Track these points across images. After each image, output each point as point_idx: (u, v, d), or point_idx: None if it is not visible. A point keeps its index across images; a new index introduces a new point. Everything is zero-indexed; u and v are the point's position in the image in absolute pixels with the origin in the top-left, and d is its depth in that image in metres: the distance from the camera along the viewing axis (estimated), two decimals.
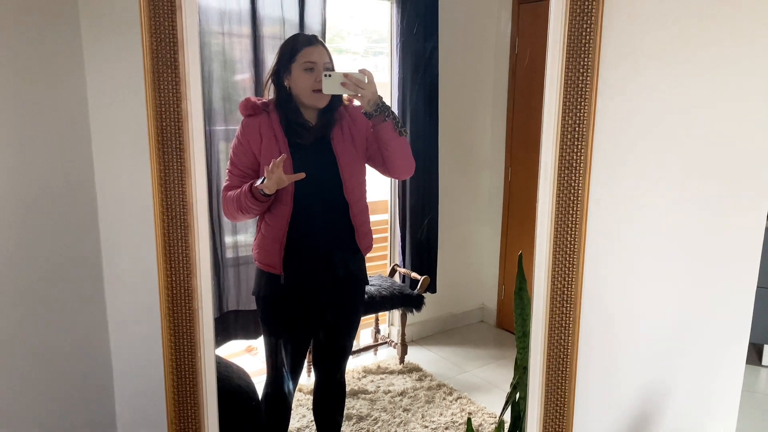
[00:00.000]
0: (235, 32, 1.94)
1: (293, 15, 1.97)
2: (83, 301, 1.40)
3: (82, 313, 1.41)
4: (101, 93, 1.34)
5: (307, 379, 2.38)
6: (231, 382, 1.81)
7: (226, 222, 2.02)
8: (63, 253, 1.37)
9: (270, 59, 1.92)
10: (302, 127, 1.75)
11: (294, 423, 2.25)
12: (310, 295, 1.90)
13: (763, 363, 3.32)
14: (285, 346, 1.94)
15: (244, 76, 1.96)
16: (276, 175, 1.62)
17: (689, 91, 1.19)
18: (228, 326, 2.16)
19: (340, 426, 2.14)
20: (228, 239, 2.07)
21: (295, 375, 2.00)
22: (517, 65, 2.26)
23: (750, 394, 3.04)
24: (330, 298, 1.93)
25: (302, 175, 1.67)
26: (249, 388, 1.90)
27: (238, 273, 2.12)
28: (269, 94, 1.77)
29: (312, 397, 2.12)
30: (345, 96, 1.75)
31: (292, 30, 1.97)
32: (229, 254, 2.10)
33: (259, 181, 1.67)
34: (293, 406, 2.33)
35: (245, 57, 1.96)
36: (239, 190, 1.71)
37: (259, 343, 2.38)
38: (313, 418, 2.15)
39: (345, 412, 2.17)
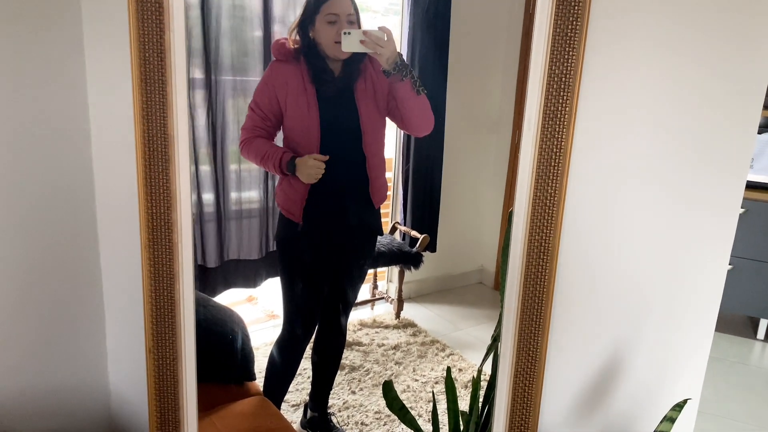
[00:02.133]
0: None
1: None
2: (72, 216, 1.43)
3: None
4: (90, 32, 1.34)
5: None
6: (215, 324, 1.87)
7: (230, 178, 2.05)
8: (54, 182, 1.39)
9: (279, 12, 1.92)
10: (327, 76, 1.76)
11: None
12: (326, 242, 1.95)
13: (758, 336, 3.32)
14: (301, 292, 1.99)
15: (254, 32, 1.95)
16: (313, 171, 1.72)
17: (678, 39, 1.17)
18: (228, 275, 2.19)
19: (335, 374, 2.20)
20: (233, 194, 2.09)
21: (309, 322, 2.05)
22: (531, 27, 2.22)
23: (743, 367, 3.05)
24: (344, 246, 1.99)
25: (323, 162, 1.74)
26: (233, 333, 1.95)
27: (241, 225, 2.14)
28: (294, 42, 1.77)
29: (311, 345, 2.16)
30: None
31: None
32: (234, 207, 2.12)
33: (291, 158, 1.75)
34: None
35: (254, 7, 1.94)
36: (269, 151, 1.77)
37: (259, 293, 2.43)
38: (307, 366, 2.21)
39: None
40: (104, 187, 1.40)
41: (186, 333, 1.22)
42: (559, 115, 1.17)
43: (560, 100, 1.16)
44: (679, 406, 1.12)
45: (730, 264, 3.17)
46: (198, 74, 1.89)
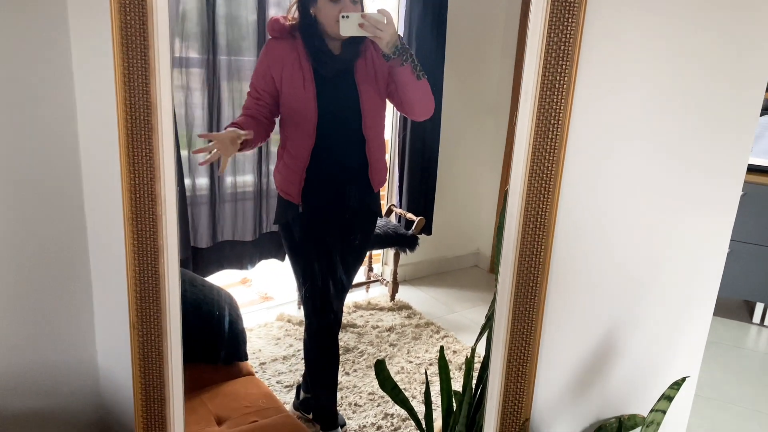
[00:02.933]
0: None
1: None
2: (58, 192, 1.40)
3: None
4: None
5: (296, 310, 2.41)
6: (204, 303, 1.85)
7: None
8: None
9: None
10: (326, 55, 1.72)
11: (281, 351, 2.29)
12: (326, 224, 1.94)
13: (754, 320, 3.32)
14: (311, 272, 1.97)
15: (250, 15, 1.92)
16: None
17: (683, 7, 1.13)
18: (222, 256, 2.17)
19: (334, 367, 2.18)
20: (228, 178, 2.07)
21: (326, 301, 2.03)
22: (529, 3, 2.18)
23: (739, 350, 3.05)
24: (344, 227, 1.97)
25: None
26: (221, 312, 1.93)
27: (235, 207, 2.13)
28: (293, 17, 1.74)
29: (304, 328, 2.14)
30: None
31: None
32: (229, 191, 2.10)
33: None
34: (281, 335, 2.37)
35: None
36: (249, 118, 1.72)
37: (253, 275, 2.42)
38: (300, 348, 2.19)
39: None
40: (90, 160, 1.36)
41: (171, 309, 1.19)
42: (557, 85, 1.13)
43: (558, 69, 1.12)
44: (677, 384, 1.09)
45: (728, 248, 3.17)
46: (193, 54, 1.86)
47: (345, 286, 2.12)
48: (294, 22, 1.73)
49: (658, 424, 1.10)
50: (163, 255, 1.15)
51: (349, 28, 1.60)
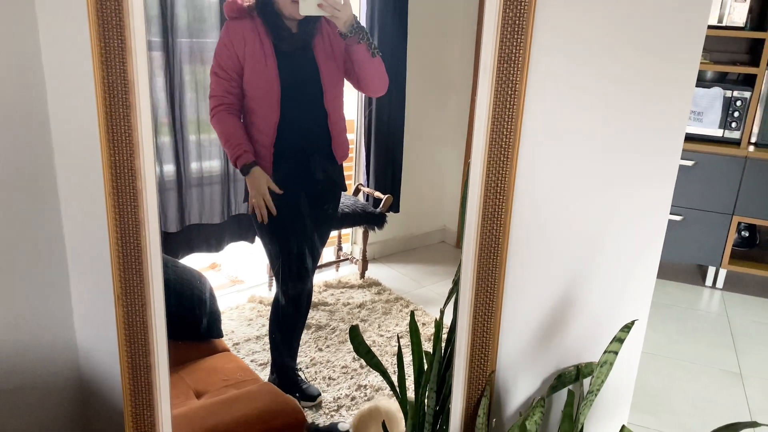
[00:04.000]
0: None
1: None
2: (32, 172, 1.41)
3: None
4: None
5: (267, 292, 2.45)
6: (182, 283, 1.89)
7: (191, 148, 2.04)
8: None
9: None
10: (285, 32, 1.78)
11: (253, 331, 2.33)
12: (297, 198, 2.00)
13: (707, 284, 3.49)
14: (282, 248, 2.05)
15: None
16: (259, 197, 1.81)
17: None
18: (191, 239, 2.19)
19: (302, 331, 2.24)
20: (194, 164, 2.09)
21: (299, 277, 2.11)
22: None
23: (693, 312, 3.21)
24: (313, 200, 2.04)
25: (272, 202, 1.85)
26: (200, 292, 1.98)
27: (202, 191, 2.14)
28: (246, 1, 1.78)
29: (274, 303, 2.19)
30: None
31: None
32: (195, 175, 2.12)
33: (247, 163, 1.83)
34: (253, 316, 2.42)
35: None
36: (233, 140, 1.83)
37: (222, 260, 2.44)
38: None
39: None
40: (63, 137, 1.38)
41: (154, 279, 1.23)
42: (513, 58, 1.21)
43: (514, 42, 1.20)
44: (627, 327, 1.19)
45: (680, 215, 3.33)
46: (154, 37, 1.87)
47: (317, 255, 2.19)
48: (251, 3, 1.77)
49: (611, 364, 1.20)
50: (145, 228, 1.20)
51: (308, 7, 1.66)
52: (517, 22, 1.20)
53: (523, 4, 1.18)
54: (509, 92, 1.23)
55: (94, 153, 1.19)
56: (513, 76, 1.22)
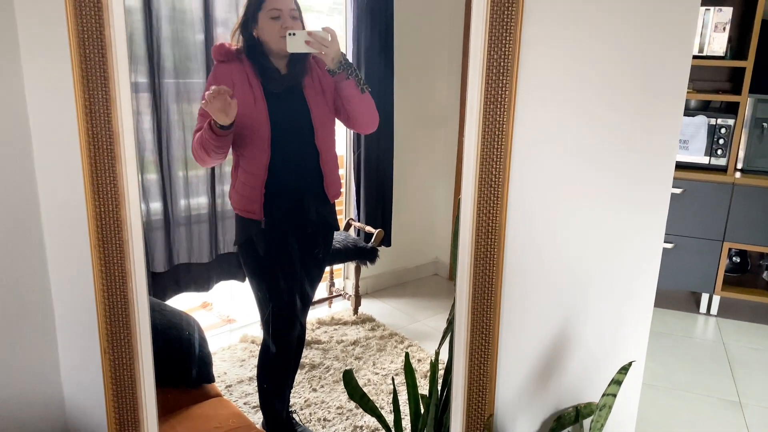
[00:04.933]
0: None
1: None
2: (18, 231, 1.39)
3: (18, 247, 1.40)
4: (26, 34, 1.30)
5: (260, 330, 2.42)
6: (171, 328, 1.86)
7: (178, 186, 2.03)
8: None
9: (221, 15, 1.92)
10: (274, 72, 1.78)
11: (246, 372, 2.29)
12: (287, 238, 1.97)
13: (701, 310, 3.48)
14: (272, 290, 2.00)
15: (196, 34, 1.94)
16: (218, 103, 1.59)
17: (605, 25, 1.23)
18: (179, 279, 2.17)
19: (295, 372, 2.21)
20: (182, 201, 2.07)
21: (288, 320, 2.05)
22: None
23: (689, 340, 3.19)
24: (304, 240, 2.01)
25: (235, 102, 1.62)
26: (189, 336, 1.94)
27: (190, 230, 2.13)
28: (237, 42, 1.79)
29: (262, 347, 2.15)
30: None
31: None
32: (183, 214, 2.11)
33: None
34: (246, 356, 2.38)
35: (195, 10, 1.94)
36: (201, 128, 1.72)
37: (213, 299, 2.41)
38: None
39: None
40: (48, 189, 1.37)
41: (141, 332, 1.21)
42: (499, 98, 1.21)
43: (500, 84, 1.20)
44: (624, 369, 1.18)
45: (671, 242, 3.33)
46: (142, 78, 1.87)
47: (308, 300, 2.16)
48: (239, 46, 1.78)
49: (610, 407, 1.18)
50: (132, 279, 1.18)
51: (295, 44, 1.66)
52: (502, 63, 1.20)
53: (507, 46, 1.19)
54: (497, 133, 1.23)
55: (80, 204, 1.17)
56: (500, 116, 1.22)
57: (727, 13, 3.22)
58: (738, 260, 3.57)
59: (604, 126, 1.26)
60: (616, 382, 1.17)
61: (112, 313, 1.20)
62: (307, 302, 2.17)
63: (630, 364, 1.18)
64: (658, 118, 1.24)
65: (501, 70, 1.20)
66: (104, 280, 1.17)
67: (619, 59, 1.23)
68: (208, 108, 1.62)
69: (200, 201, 2.11)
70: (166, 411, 1.81)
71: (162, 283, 2.09)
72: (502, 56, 1.19)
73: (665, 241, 3.34)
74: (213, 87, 1.61)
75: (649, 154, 1.26)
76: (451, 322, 1.52)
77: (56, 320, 1.50)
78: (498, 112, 1.22)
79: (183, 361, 1.92)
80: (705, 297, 3.46)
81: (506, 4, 1.17)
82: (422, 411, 1.57)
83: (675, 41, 1.21)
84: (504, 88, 1.21)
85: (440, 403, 1.55)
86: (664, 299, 3.57)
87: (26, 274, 1.44)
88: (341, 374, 2.28)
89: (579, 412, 1.34)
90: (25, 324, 1.48)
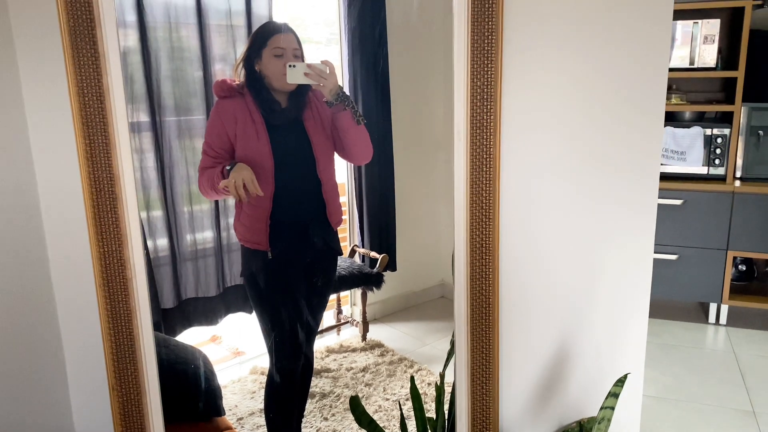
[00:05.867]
0: (182, 22, 1.97)
1: (239, 6, 2.01)
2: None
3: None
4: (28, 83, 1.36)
5: (269, 362, 2.42)
6: (178, 363, 1.87)
7: (184, 221, 2.07)
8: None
9: (217, 50, 1.98)
10: (275, 105, 1.84)
11: (257, 405, 2.29)
12: (294, 267, 2.00)
13: (710, 321, 3.46)
14: (279, 320, 2.03)
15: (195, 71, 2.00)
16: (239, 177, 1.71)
17: (583, 42, 1.27)
18: (188, 314, 2.19)
19: (305, 402, 2.21)
20: (187, 236, 2.11)
21: (294, 350, 2.08)
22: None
23: (699, 351, 3.17)
24: (310, 268, 2.04)
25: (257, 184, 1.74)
26: (196, 370, 1.95)
27: (197, 264, 2.16)
28: (239, 78, 1.84)
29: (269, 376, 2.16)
30: None
31: (238, 19, 2.02)
32: (189, 249, 2.14)
33: (229, 166, 1.76)
34: (256, 388, 2.38)
35: (193, 48, 1.99)
36: (214, 170, 1.79)
37: (223, 332, 2.43)
38: None
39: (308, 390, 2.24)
40: (54, 231, 1.41)
41: (148, 368, 1.24)
42: (485, 124, 1.25)
43: (485, 110, 1.24)
44: (621, 381, 1.19)
45: (674, 254, 3.32)
46: (144, 117, 1.92)
47: (314, 328, 2.18)
48: (240, 81, 1.84)
49: (609, 420, 1.19)
50: (137, 316, 1.21)
51: (295, 76, 1.73)
52: (486, 90, 1.24)
53: (489, 73, 1.23)
54: (485, 157, 1.27)
55: (84, 245, 1.21)
56: (486, 141, 1.26)
57: (715, 25, 3.27)
58: (744, 268, 3.56)
59: (585, 145, 1.30)
60: (613, 395, 1.19)
61: (118, 350, 1.23)
62: (313, 332, 2.18)
63: (626, 376, 1.20)
64: (641, 131, 1.28)
65: (485, 97, 1.24)
66: (110, 318, 1.20)
67: (599, 78, 1.27)
68: (235, 172, 1.73)
69: (206, 235, 2.13)
70: None
71: (171, 318, 2.11)
72: (485, 84, 1.23)
73: (669, 253, 3.34)
74: (235, 181, 1.70)
75: (635, 167, 1.29)
76: (453, 344, 1.54)
77: (65, 359, 1.53)
78: (484, 137, 1.26)
79: (192, 395, 1.93)
80: (713, 307, 3.44)
81: (486, 34, 1.21)
82: None
83: (651, 55, 1.24)
84: (489, 113, 1.25)
85: (447, 425, 1.55)
86: (672, 311, 3.56)
87: (35, 312, 1.47)
88: None
89: (582, 427, 1.35)
90: (36, 363, 1.51)
